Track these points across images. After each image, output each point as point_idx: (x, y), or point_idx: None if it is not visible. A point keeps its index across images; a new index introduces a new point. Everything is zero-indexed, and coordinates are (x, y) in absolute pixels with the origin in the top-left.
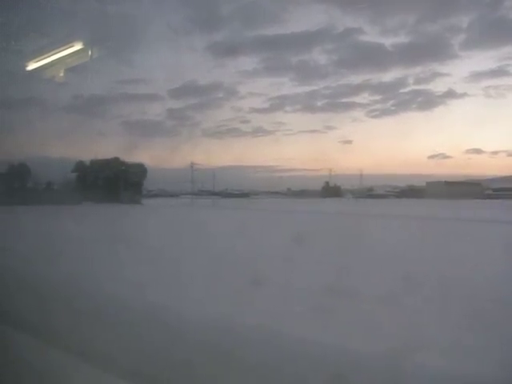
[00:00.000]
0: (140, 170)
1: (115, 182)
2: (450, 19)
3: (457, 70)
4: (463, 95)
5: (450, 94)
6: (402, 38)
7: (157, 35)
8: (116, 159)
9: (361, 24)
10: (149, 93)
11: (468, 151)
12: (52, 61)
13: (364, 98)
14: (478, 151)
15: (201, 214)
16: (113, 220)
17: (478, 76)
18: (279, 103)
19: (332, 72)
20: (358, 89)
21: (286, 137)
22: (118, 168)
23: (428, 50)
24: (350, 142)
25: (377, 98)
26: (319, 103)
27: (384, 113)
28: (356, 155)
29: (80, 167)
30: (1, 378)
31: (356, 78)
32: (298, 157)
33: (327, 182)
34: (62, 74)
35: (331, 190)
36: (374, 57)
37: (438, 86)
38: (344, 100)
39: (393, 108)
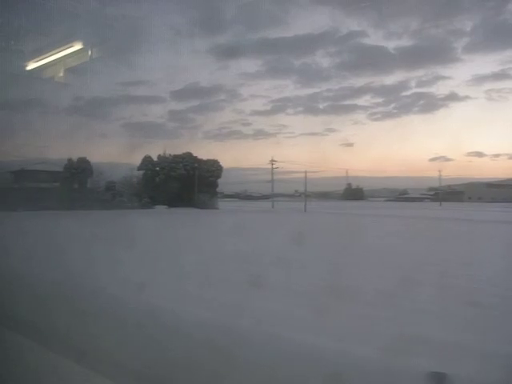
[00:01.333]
0: (215, 167)
1: (188, 182)
2: (453, 23)
3: (459, 73)
4: (465, 98)
5: (453, 97)
6: (404, 42)
7: (161, 38)
8: (189, 154)
9: (364, 27)
10: (151, 95)
11: (470, 154)
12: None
13: (366, 100)
14: (479, 154)
15: (302, 219)
16: (208, 231)
17: (480, 79)
18: (281, 105)
19: (334, 75)
20: (360, 91)
21: (288, 139)
22: (191, 165)
23: (431, 54)
24: (351, 144)
25: (379, 100)
26: (321, 106)
27: (386, 115)
28: (357, 158)
29: (147, 164)
30: (1, 378)
31: (358, 81)
32: (298, 159)
33: (349, 184)
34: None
35: (354, 193)
36: (377, 60)
37: (440, 89)
38: (346, 103)
39: (395, 111)
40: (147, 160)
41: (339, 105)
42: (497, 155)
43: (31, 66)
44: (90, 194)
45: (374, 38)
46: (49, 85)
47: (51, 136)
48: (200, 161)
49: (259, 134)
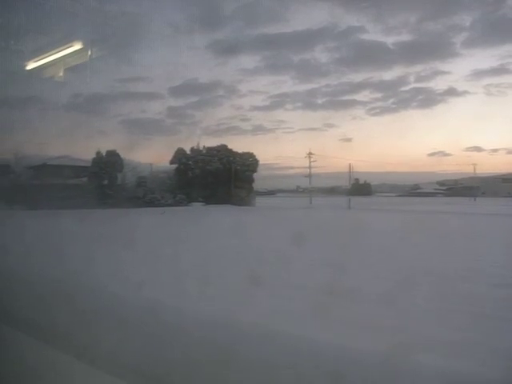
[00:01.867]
0: (251, 161)
1: (224, 176)
2: (452, 18)
3: (458, 68)
4: (464, 93)
5: (451, 92)
6: (403, 37)
7: (159, 34)
8: (224, 147)
9: (363, 22)
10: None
11: (468, 149)
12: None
13: (365, 96)
14: (478, 149)
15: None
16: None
17: (479, 74)
18: (280, 101)
19: (333, 70)
20: (359, 87)
21: (286, 135)
22: (227, 158)
23: (430, 48)
24: (349, 139)
25: (378, 95)
26: (320, 101)
27: (385, 110)
28: (355, 153)
29: (181, 157)
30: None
31: (357, 76)
32: (297, 155)
33: (357, 179)
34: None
35: (362, 188)
36: (376, 55)
37: (439, 84)
38: (345, 98)
39: (393, 106)
40: (180, 153)
41: (338, 100)
42: (495, 150)
43: (32, 63)
44: (120, 191)
45: (373, 34)
46: (51, 83)
47: (56, 132)
48: (235, 154)
49: (258, 130)
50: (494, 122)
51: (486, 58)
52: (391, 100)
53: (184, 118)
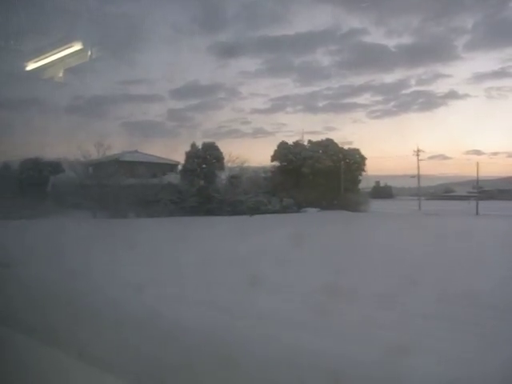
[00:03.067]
0: (358, 158)
1: (334, 176)
2: (454, 21)
3: (459, 71)
4: (465, 96)
5: (452, 95)
6: (405, 39)
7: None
8: (331, 141)
9: (365, 25)
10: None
11: (469, 152)
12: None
13: (366, 98)
14: (478, 152)
15: None
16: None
17: (480, 77)
18: (281, 104)
19: (334, 73)
20: (360, 90)
21: (287, 138)
22: (337, 155)
23: (431, 52)
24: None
25: (379, 98)
26: (321, 104)
27: (385, 113)
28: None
29: (286, 152)
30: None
31: (358, 79)
32: None
33: (378, 182)
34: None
35: (383, 190)
36: (377, 58)
37: (440, 87)
38: (346, 101)
39: (394, 109)
40: (284, 147)
41: (339, 103)
42: (496, 153)
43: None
44: (224, 194)
45: (375, 36)
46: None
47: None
48: (341, 150)
49: (258, 133)
50: (495, 125)
51: (487, 61)
52: (392, 103)
53: (185, 121)
